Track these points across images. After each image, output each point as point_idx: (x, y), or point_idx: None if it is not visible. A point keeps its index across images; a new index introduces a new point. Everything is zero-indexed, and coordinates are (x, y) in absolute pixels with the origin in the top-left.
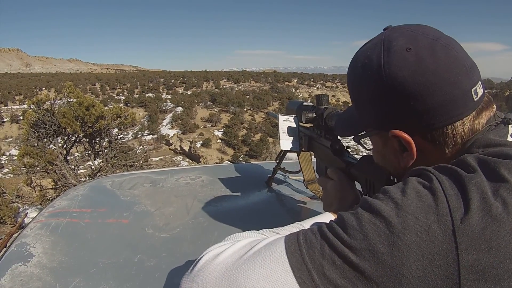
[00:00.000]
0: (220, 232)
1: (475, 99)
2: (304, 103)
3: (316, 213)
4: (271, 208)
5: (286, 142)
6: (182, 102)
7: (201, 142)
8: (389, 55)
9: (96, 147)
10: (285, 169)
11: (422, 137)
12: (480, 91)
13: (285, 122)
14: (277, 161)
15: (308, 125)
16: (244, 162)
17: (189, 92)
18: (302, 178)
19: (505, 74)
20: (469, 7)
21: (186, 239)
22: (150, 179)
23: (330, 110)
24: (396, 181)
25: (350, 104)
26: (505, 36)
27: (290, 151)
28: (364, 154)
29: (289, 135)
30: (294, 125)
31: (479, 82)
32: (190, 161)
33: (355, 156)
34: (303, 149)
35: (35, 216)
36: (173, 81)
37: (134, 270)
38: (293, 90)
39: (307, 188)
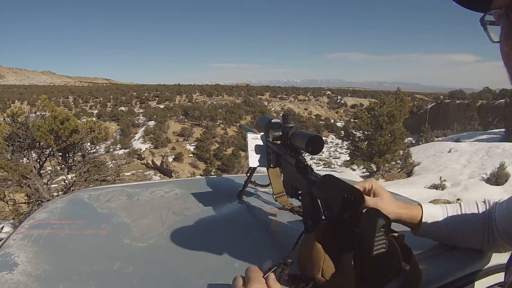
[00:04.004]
0: (194, 242)
1: None
2: (272, 120)
3: (284, 224)
4: (242, 218)
5: (254, 159)
6: (155, 116)
7: (173, 156)
8: None
9: (69, 161)
10: (255, 182)
11: None
12: None
13: (254, 140)
14: (248, 175)
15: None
16: (215, 176)
17: (162, 106)
18: (271, 191)
19: (477, 85)
20: (442, 18)
21: (161, 248)
22: (125, 192)
23: (295, 129)
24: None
25: (323, 117)
26: (477, 47)
27: (259, 167)
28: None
29: (257, 152)
30: (261, 143)
31: None
32: (162, 175)
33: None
34: (271, 165)
35: (17, 227)
36: (146, 94)
37: (115, 276)
38: (266, 104)
39: (276, 200)
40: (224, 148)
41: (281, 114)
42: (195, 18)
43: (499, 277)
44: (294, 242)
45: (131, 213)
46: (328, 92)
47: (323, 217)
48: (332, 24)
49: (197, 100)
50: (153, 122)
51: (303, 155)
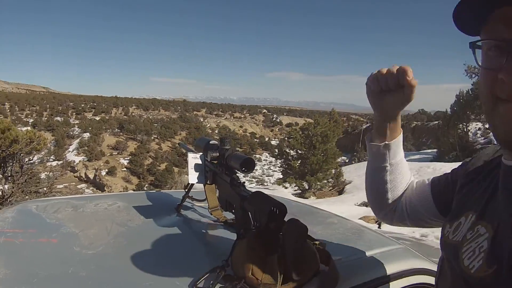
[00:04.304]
0: (137, 250)
1: None
2: (210, 142)
3: (218, 235)
4: (180, 230)
5: (193, 176)
6: (90, 128)
7: (107, 170)
8: None
9: (6, 171)
10: (192, 197)
11: None
12: None
13: (193, 159)
14: (186, 190)
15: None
16: (155, 191)
17: (98, 118)
18: (207, 205)
19: (413, 107)
20: (379, 40)
21: (109, 255)
22: (71, 204)
23: (230, 151)
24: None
25: (258, 135)
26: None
27: (197, 183)
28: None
29: (196, 170)
30: (200, 162)
31: None
32: (95, 189)
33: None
34: (208, 182)
35: None
36: (83, 105)
37: (70, 280)
38: (202, 120)
39: (211, 214)
40: (157, 163)
41: (217, 133)
42: (134, 30)
43: (413, 280)
44: (227, 250)
45: (78, 223)
46: (264, 110)
47: (253, 227)
48: (273, 43)
49: (133, 114)
50: (88, 134)
51: (237, 174)
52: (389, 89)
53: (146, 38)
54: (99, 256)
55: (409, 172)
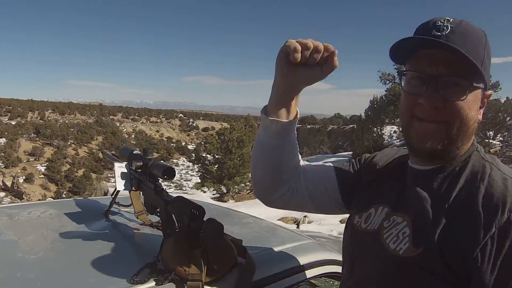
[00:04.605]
0: (75, 252)
1: None
2: (133, 152)
3: (146, 237)
4: (111, 233)
5: (120, 184)
6: (6, 133)
7: (24, 177)
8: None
9: None
10: (119, 203)
11: None
12: None
13: (119, 168)
14: (113, 196)
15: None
16: (83, 198)
17: (13, 122)
18: (133, 210)
19: (330, 111)
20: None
21: (51, 258)
22: (5, 213)
23: (153, 161)
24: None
25: (175, 139)
26: (331, 76)
27: (124, 190)
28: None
29: (122, 178)
30: (126, 170)
31: None
32: (13, 198)
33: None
34: (133, 189)
35: None
36: None
37: (20, 282)
38: (118, 124)
39: (137, 218)
40: (75, 169)
41: (134, 138)
42: (49, 31)
43: (324, 270)
44: (155, 249)
45: (15, 231)
46: (181, 114)
47: (177, 227)
48: (187, 47)
49: (49, 118)
50: (4, 139)
51: (159, 181)
52: (306, 63)
53: (60, 39)
54: (42, 260)
55: (298, 149)
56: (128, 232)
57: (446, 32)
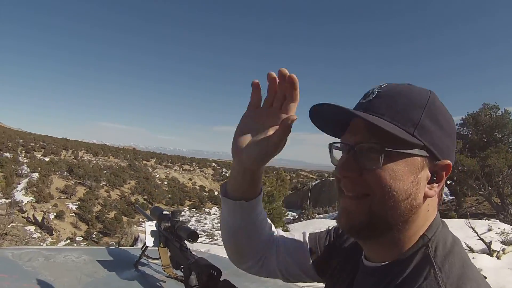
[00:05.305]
0: None
1: None
2: (163, 212)
3: None
4: (139, 283)
5: (150, 241)
6: (39, 169)
7: (55, 213)
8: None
9: None
10: (148, 256)
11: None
12: None
13: (150, 226)
14: (143, 249)
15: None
16: (115, 247)
17: (47, 159)
18: (161, 263)
19: None
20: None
21: None
22: (42, 254)
23: (180, 224)
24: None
25: (207, 188)
26: None
27: (153, 246)
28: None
29: (152, 235)
30: (155, 229)
31: None
32: (42, 232)
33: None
34: (161, 245)
35: None
36: (32, 144)
37: None
38: (151, 170)
39: (164, 270)
40: (106, 211)
41: (166, 184)
42: (84, 74)
43: None
44: None
45: (51, 272)
46: (214, 164)
47: (196, 284)
48: (217, 98)
49: (82, 158)
50: (36, 174)
51: (184, 241)
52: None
53: (94, 84)
54: None
55: (268, 222)
56: (155, 283)
57: (371, 98)
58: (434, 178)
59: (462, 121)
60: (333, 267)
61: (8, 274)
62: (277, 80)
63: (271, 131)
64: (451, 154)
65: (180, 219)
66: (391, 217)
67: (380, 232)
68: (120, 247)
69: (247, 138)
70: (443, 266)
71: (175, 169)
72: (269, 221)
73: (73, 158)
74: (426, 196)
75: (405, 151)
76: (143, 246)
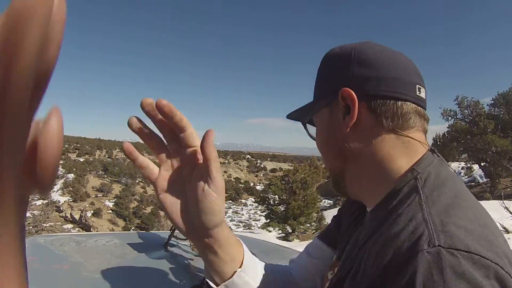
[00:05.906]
0: (135, 276)
1: (418, 95)
2: None
3: (200, 267)
4: (168, 263)
5: None
6: (74, 169)
7: (92, 211)
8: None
9: None
10: (177, 236)
11: (366, 106)
12: (423, 94)
13: None
14: (171, 230)
15: None
16: (145, 231)
17: (81, 159)
18: (190, 243)
19: None
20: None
21: (114, 279)
22: (73, 239)
23: None
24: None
25: (243, 180)
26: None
27: None
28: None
29: None
30: None
31: (423, 88)
32: (81, 230)
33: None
34: None
35: None
36: (66, 145)
37: None
38: None
39: (192, 250)
40: (143, 207)
41: None
42: (119, 73)
43: None
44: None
45: (82, 255)
46: (248, 156)
47: None
48: (251, 90)
49: (117, 157)
50: (72, 175)
51: None
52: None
53: (129, 80)
54: (105, 279)
55: (281, 273)
56: (183, 261)
57: None
58: (344, 116)
59: (492, 101)
60: (343, 231)
61: (39, 257)
62: (159, 117)
63: (195, 176)
64: (370, 82)
65: None
66: (334, 166)
67: (342, 179)
68: (150, 231)
69: (180, 208)
70: (431, 194)
71: None
72: (282, 266)
73: (108, 157)
74: (352, 133)
75: (318, 108)
76: (171, 227)
